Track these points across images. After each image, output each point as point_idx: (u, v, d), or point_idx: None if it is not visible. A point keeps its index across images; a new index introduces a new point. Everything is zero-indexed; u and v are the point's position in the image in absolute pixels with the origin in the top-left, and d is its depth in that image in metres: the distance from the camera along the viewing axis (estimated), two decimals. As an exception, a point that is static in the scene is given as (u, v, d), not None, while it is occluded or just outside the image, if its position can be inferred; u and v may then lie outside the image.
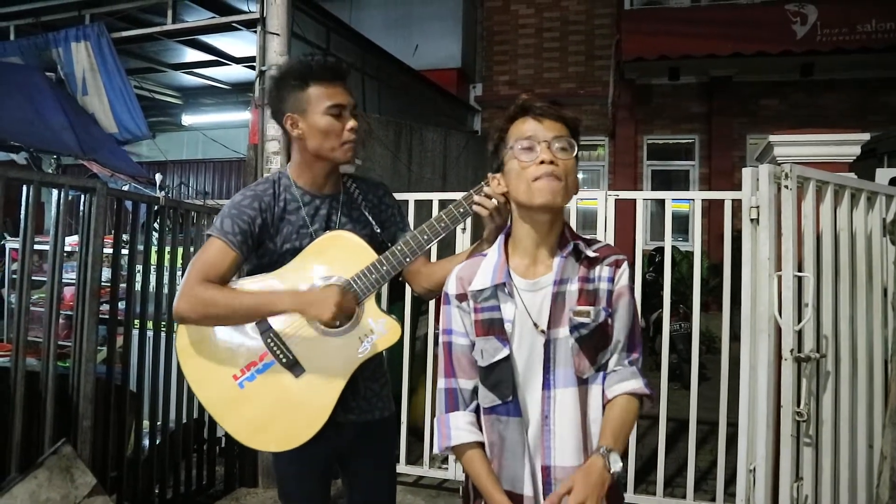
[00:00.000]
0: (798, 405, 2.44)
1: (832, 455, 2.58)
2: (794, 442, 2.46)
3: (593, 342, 1.36)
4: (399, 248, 1.65)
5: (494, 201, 1.51)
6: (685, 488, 3.31)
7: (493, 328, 1.38)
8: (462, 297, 1.44)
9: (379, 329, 1.66)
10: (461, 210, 1.60)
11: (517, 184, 1.37)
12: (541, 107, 1.38)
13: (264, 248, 1.72)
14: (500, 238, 1.47)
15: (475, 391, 1.43)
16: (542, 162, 1.33)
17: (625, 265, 1.42)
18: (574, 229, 1.46)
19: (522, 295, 1.38)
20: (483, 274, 1.43)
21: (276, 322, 1.66)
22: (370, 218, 1.82)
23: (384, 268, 1.65)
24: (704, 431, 4.00)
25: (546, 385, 1.36)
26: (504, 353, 1.36)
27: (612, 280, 1.40)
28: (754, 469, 2.59)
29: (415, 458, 3.78)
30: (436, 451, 1.49)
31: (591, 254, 1.40)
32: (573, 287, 1.38)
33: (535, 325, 1.37)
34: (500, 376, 1.37)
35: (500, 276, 1.39)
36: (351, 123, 1.71)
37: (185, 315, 1.61)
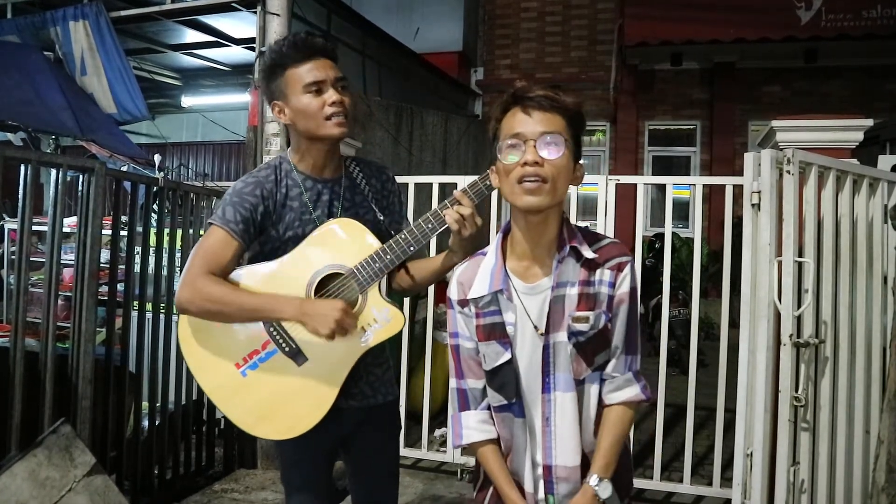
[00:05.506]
0: (796, 390, 2.45)
1: (829, 439, 2.59)
2: (792, 427, 2.47)
3: (592, 347, 1.36)
4: (403, 236, 1.63)
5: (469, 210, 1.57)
6: (682, 472, 3.34)
7: (495, 332, 1.38)
8: (464, 303, 1.44)
9: (382, 318, 1.65)
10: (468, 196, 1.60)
11: (504, 183, 1.34)
12: (533, 97, 1.29)
13: (266, 235, 1.70)
14: (498, 237, 1.45)
15: (485, 389, 1.45)
16: (525, 164, 1.27)
17: (627, 268, 1.37)
18: (574, 224, 1.41)
19: (522, 298, 1.37)
20: (482, 279, 1.41)
21: None
22: (373, 204, 1.79)
23: (388, 257, 1.63)
24: (702, 417, 4.03)
25: (546, 388, 1.37)
26: (506, 356, 1.37)
27: (613, 285, 1.36)
28: (751, 453, 2.60)
29: (413, 440, 3.80)
30: (450, 447, 1.53)
31: (589, 256, 1.35)
32: (573, 291, 1.35)
33: (536, 328, 1.36)
34: (503, 379, 1.38)
35: (498, 283, 1.38)
36: (331, 97, 1.64)
37: (187, 306, 1.59)
